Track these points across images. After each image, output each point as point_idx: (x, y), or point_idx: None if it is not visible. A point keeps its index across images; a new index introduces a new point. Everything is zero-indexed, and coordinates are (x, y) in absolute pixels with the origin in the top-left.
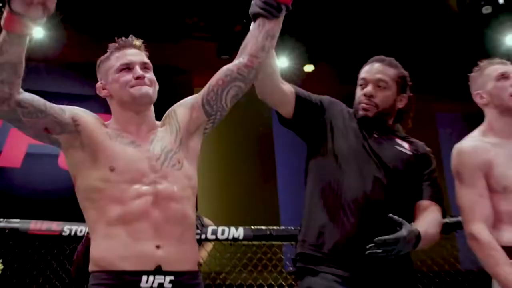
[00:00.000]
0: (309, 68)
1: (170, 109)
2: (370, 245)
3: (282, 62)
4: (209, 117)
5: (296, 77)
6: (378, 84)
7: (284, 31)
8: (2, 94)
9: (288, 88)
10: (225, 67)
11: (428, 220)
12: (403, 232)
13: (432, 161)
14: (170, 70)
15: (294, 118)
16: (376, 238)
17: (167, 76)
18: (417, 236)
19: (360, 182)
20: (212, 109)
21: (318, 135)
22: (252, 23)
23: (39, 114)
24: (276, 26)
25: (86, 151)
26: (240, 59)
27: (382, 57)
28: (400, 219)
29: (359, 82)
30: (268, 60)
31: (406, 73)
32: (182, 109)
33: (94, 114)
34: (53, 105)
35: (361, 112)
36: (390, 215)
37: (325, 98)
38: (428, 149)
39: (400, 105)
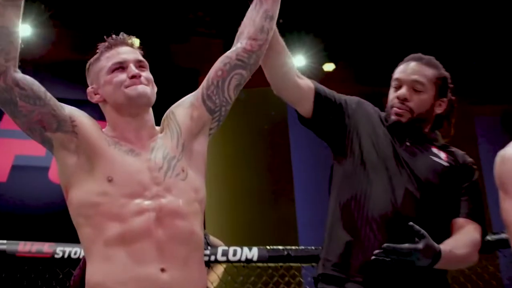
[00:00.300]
0: (329, 67)
1: (167, 111)
2: (377, 251)
3: (299, 60)
4: (212, 115)
5: (315, 77)
6: (414, 86)
7: (300, 28)
8: None
9: (307, 83)
10: (223, 56)
11: (458, 239)
12: (419, 244)
13: (472, 173)
14: (174, 70)
15: (313, 117)
16: (385, 244)
17: (171, 76)
18: (436, 253)
19: (389, 195)
20: (215, 105)
21: (342, 139)
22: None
23: (37, 101)
24: (274, 5)
25: (82, 156)
26: (238, 45)
27: (420, 55)
28: (422, 231)
29: (393, 83)
30: (283, 54)
31: (446, 74)
32: (181, 109)
33: (92, 118)
34: (53, 98)
35: (393, 117)
36: (411, 223)
37: (352, 99)
38: (469, 159)
39: (438, 110)
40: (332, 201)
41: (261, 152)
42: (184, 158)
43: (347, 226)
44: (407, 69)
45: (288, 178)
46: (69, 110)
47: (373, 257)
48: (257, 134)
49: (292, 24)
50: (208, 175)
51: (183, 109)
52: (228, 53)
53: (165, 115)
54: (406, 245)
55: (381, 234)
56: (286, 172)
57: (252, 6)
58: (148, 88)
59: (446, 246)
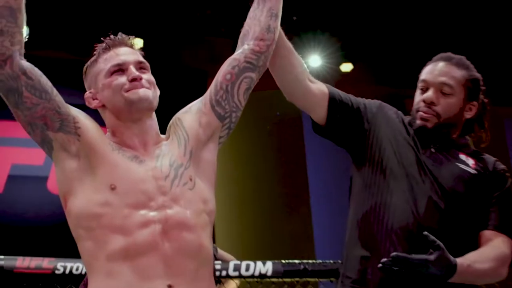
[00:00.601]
0: (346, 67)
1: (173, 118)
2: (385, 259)
3: (315, 61)
4: (222, 121)
5: (331, 78)
6: (442, 89)
7: (315, 26)
8: (2, 49)
9: (320, 88)
10: (229, 59)
11: (483, 253)
12: (431, 256)
13: (504, 181)
14: (182, 71)
15: (327, 124)
16: (394, 253)
17: (179, 78)
18: (450, 266)
19: (411, 205)
20: (225, 111)
21: (360, 146)
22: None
23: (43, 94)
24: (278, 3)
25: (83, 161)
26: (245, 46)
27: (449, 54)
28: (437, 242)
29: (419, 84)
30: (291, 58)
31: (478, 75)
32: (188, 115)
33: (95, 122)
34: (59, 95)
35: (418, 122)
36: (425, 233)
37: (373, 102)
38: (501, 166)
39: (468, 115)
40: (350, 212)
41: (275, 160)
42: (192, 167)
43: (365, 240)
44: (435, 70)
45: (304, 187)
46: (74, 110)
47: (379, 265)
48: (270, 141)
49: (306, 23)
50: (217, 185)
51: (191, 115)
52: (235, 55)
53: (171, 122)
54: (417, 256)
55: (401, 248)
56: (301, 180)
57: (254, 6)
58: (149, 92)
59: (465, 260)
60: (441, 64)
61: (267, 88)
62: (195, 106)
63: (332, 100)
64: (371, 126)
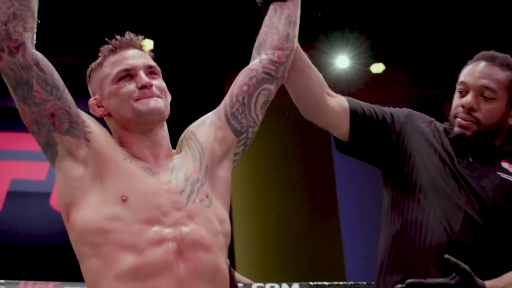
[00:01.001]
0: (377, 68)
1: (185, 132)
2: (400, 286)
3: (342, 62)
4: (238, 136)
5: (361, 80)
6: (482, 92)
7: (343, 24)
8: (15, 35)
9: (340, 103)
10: (246, 69)
11: None
12: (452, 280)
13: None
14: (198, 73)
15: (350, 141)
16: (409, 280)
17: (195, 81)
18: None
19: (444, 222)
20: (241, 125)
21: (388, 160)
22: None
23: (54, 91)
24: (296, 9)
25: (90, 169)
26: (262, 56)
27: (492, 53)
28: (461, 265)
29: (458, 87)
30: (307, 71)
31: None
32: (202, 128)
33: (104, 128)
34: (70, 95)
35: (456, 129)
36: (446, 256)
37: (401, 111)
38: None
39: None
40: (382, 232)
41: (299, 170)
42: (207, 183)
43: (397, 262)
44: (475, 71)
45: (332, 199)
46: (83, 114)
47: None
48: (294, 149)
49: (333, 20)
50: (235, 199)
51: (205, 128)
52: (252, 65)
53: (182, 136)
54: (435, 280)
55: (435, 270)
56: (329, 192)
57: (271, 13)
58: (161, 101)
59: (499, 282)
60: (482, 65)
61: (288, 94)
62: (208, 119)
63: (354, 114)
64: (400, 138)
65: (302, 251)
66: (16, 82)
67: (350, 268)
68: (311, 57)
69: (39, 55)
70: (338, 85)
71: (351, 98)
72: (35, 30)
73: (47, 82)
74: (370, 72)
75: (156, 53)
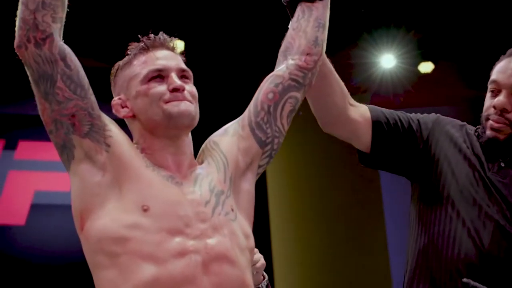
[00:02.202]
0: (426, 67)
1: (206, 141)
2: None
3: (388, 61)
4: (263, 148)
5: (407, 80)
6: None
7: (388, 21)
8: (43, 25)
9: (361, 113)
10: (272, 75)
11: None
12: None
13: None
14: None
15: (372, 152)
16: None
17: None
18: None
19: (473, 234)
20: (266, 135)
21: (416, 169)
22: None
23: (79, 90)
24: (325, 11)
25: (108, 175)
26: (289, 61)
27: None
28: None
29: (489, 86)
30: (330, 79)
31: None
32: (225, 138)
33: (125, 133)
34: (94, 95)
35: (488, 132)
36: (465, 280)
37: (428, 117)
38: None
39: None
40: (408, 245)
41: (342, 181)
42: (231, 196)
43: (424, 278)
44: (508, 68)
45: (378, 213)
46: (104, 117)
47: None
48: (335, 159)
49: (378, 17)
50: (272, 212)
51: (228, 137)
52: (278, 71)
53: (204, 146)
54: None
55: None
56: (375, 205)
57: (298, 15)
58: (192, 106)
59: None
60: None
61: None
62: (231, 128)
63: (377, 124)
64: (427, 145)
65: (345, 270)
66: (39, 76)
67: (398, 283)
68: (354, 57)
69: (66, 48)
70: (383, 86)
71: (373, 106)
72: (64, 21)
73: (72, 79)
74: (418, 72)
75: (187, 55)
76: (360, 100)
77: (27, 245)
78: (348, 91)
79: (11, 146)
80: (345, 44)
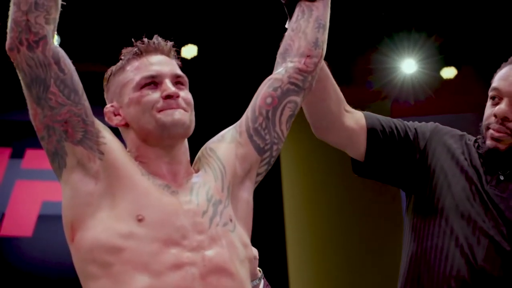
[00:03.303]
0: (448, 72)
1: (202, 148)
2: None
3: (409, 66)
4: (262, 155)
5: (428, 86)
6: None
7: (409, 25)
8: (36, 27)
9: (356, 119)
10: (270, 79)
11: None
12: None
13: None
14: (244, 80)
15: (366, 161)
16: None
17: (241, 87)
18: None
19: (467, 250)
20: (265, 142)
21: (412, 180)
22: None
23: (72, 95)
24: (326, 10)
25: (102, 184)
26: (288, 64)
27: None
28: None
29: (490, 93)
30: (326, 83)
31: None
32: (222, 145)
33: (119, 140)
34: (88, 101)
35: (488, 142)
36: None
37: (426, 126)
38: None
39: None
40: (402, 259)
41: (360, 186)
42: (230, 206)
43: None
44: (510, 75)
45: (398, 218)
46: (99, 123)
47: None
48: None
49: (398, 20)
50: (287, 220)
51: (225, 144)
52: (276, 75)
53: (200, 153)
54: None
55: None
56: (394, 213)
57: (297, 15)
58: (186, 115)
59: None
60: None
61: None
62: (228, 134)
63: (372, 132)
64: (424, 156)
65: (363, 279)
66: (31, 80)
67: None
68: (374, 61)
69: (60, 52)
70: (404, 92)
71: (369, 113)
72: (57, 22)
73: (65, 84)
74: (440, 77)
75: (200, 60)
76: (380, 107)
77: (34, 257)
78: (368, 97)
79: (18, 154)
80: (365, 48)
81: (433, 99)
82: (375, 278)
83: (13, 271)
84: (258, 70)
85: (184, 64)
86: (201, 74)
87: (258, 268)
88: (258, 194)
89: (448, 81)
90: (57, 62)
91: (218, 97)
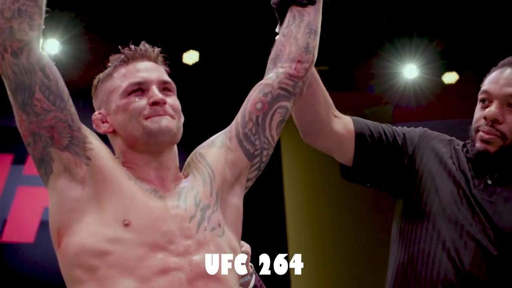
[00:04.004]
0: (450, 78)
1: (192, 154)
2: None
3: (410, 71)
4: (252, 160)
5: (430, 91)
6: (508, 102)
7: (411, 30)
8: (20, 34)
9: (345, 124)
10: (260, 84)
11: None
12: None
13: None
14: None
15: (354, 166)
16: None
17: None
18: None
19: (454, 254)
20: (255, 147)
21: (399, 185)
22: (278, 27)
23: (58, 101)
24: (317, 16)
25: (88, 189)
26: (278, 70)
27: None
28: None
29: (480, 96)
30: (315, 88)
31: None
32: (212, 150)
33: (106, 146)
34: (74, 107)
35: (478, 145)
36: None
37: (415, 131)
38: None
39: None
40: (389, 264)
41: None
42: (219, 210)
43: None
44: (500, 78)
45: None
46: (85, 129)
47: None
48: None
49: (400, 26)
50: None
51: (214, 149)
52: (266, 80)
53: (189, 159)
54: None
55: None
56: None
57: (288, 20)
58: (173, 122)
59: None
60: (508, 71)
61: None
62: (218, 139)
63: (360, 137)
64: (412, 160)
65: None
66: (16, 86)
67: None
68: (376, 67)
69: (45, 58)
70: (405, 97)
71: (358, 118)
72: (42, 29)
73: (50, 90)
74: (442, 82)
75: (201, 65)
76: (382, 112)
77: (36, 263)
78: (369, 102)
79: (20, 160)
80: (366, 53)
81: (434, 104)
82: (378, 278)
83: (15, 277)
84: (259, 76)
85: (185, 70)
86: (202, 80)
87: (250, 264)
88: (260, 193)
89: (450, 86)
90: (42, 68)
91: (219, 102)
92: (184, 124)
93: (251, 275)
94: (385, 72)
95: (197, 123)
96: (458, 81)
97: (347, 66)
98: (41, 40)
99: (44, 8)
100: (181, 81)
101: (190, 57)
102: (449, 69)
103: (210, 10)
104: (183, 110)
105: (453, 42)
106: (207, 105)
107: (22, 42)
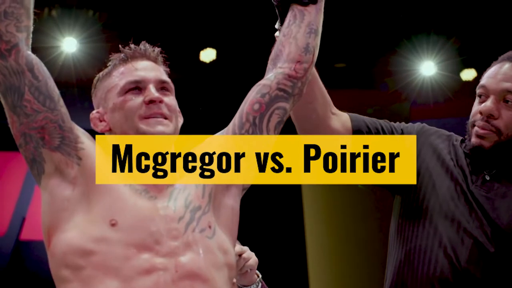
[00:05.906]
0: (468, 74)
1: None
2: None
3: (428, 68)
4: None
5: (448, 88)
6: (505, 97)
7: (428, 27)
8: (7, 36)
9: (343, 122)
10: (258, 85)
11: None
12: None
13: None
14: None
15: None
16: None
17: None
18: None
19: (450, 250)
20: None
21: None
22: (278, 25)
23: (48, 101)
24: (318, 16)
25: (79, 189)
26: (277, 70)
27: None
28: None
29: (478, 91)
30: (313, 86)
31: None
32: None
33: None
34: (65, 107)
35: (473, 140)
36: None
37: (413, 126)
38: None
39: None
40: (387, 262)
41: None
42: (211, 212)
43: None
44: (498, 73)
45: None
46: (77, 129)
47: None
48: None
49: (418, 23)
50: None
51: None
52: (264, 81)
53: None
54: None
55: None
56: None
57: (289, 20)
58: (169, 127)
59: None
60: (507, 66)
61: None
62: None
63: (357, 134)
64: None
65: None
66: (6, 88)
67: None
68: (393, 64)
69: (34, 59)
70: (423, 95)
71: (355, 115)
72: (31, 30)
73: (40, 91)
74: (460, 79)
75: (219, 63)
76: (399, 109)
77: (42, 258)
78: (387, 99)
79: None
80: (384, 51)
81: (452, 101)
82: None
83: (33, 275)
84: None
85: (203, 68)
86: (220, 78)
87: (256, 272)
88: (278, 199)
89: (468, 83)
90: (31, 69)
91: (236, 100)
92: (200, 123)
93: (258, 283)
94: (403, 70)
95: (213, 122)
96: (476, 78)
97: (366, 64)
98: (30, 41)
99: (31, 9)
100: (198, 79)
101: (207, 55)
102: (467, 66)
103: (227, 8)
104: (199, 108)
105: (470, 39)
106: (223, 102)
107: (10, 43)
